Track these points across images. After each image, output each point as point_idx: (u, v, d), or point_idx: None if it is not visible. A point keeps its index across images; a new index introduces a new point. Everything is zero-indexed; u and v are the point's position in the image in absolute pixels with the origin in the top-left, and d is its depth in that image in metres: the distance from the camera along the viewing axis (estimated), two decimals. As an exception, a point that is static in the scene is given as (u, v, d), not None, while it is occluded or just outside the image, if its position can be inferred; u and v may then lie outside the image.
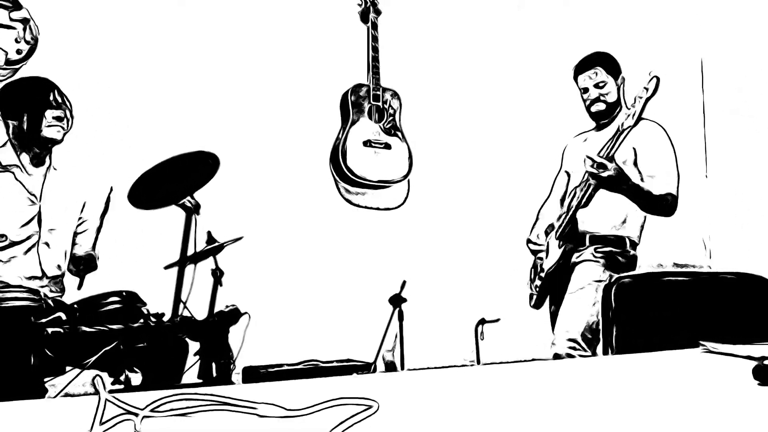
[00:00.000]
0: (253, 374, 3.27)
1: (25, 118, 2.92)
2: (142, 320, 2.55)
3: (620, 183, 3.33)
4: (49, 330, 2.43)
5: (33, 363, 2.38)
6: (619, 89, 3.63)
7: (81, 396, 1.04)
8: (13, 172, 2.92)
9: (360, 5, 3.97)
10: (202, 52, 3.59)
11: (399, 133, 3.94)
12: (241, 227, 3.24)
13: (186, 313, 2.82)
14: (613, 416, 0.86)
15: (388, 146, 3.90)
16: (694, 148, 4.31)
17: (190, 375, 2.80)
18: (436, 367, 3.20)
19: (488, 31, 4.15)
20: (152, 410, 0.83)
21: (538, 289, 3.66)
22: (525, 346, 3.53)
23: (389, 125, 3.91)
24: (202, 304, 2.99)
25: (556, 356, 3.32)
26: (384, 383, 1.22)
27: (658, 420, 0.82)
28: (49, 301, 2.85)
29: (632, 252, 3.53)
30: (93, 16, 3.39)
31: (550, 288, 3.62)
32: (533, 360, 3.08)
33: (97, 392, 0.82)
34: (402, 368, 3.60)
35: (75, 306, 2.64)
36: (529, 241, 3.82)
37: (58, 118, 2.96)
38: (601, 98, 3.61)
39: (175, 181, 2.88)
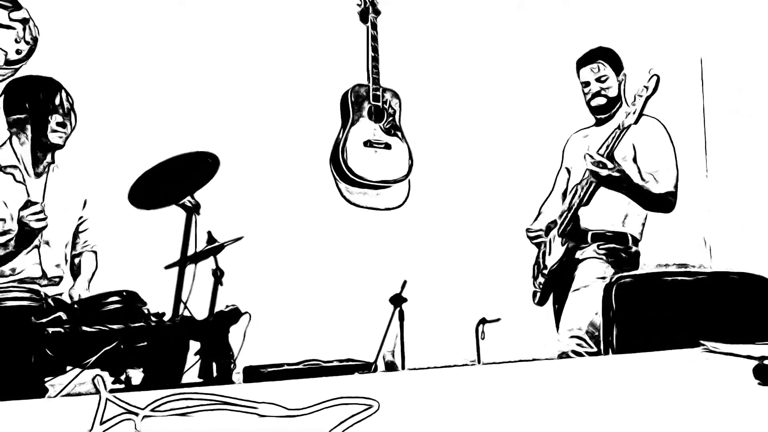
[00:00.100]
0: (253, 374, 3.26)
1: (28, 126, 2.91)
2: (142, 320, 2.55)
3: (620, 182, 3.34)
4: (50, 330, 2.43)
5: (33, 363, 2.38)
6: (620, 85, 3.63)
7: (82, 395, 1.04)
8: (13, 174, 2.92)
9: (359, 5, 3.97)
10: (202, 52, 3.58)
11: (399, 133, 3.94)
12: (241, 227, 3.24)
13: (186, 313, 2.82)
14: (613, 416, 0.86)
15: (388, 146, 3.90)
16: (694, 148, 4.31)
17: (191, 375, 2.80)
18: (436, 367, 3.20)
19: (488, 31, 4.15)
20: (152, 410, 0.83)
21: (541, 286, 3.67)
22: (528, 345, 3.54)
23: (389, 125, 3.91)
24: (202, 304, 2.99)
25: (562, 354, 3.33)
26: (384, 383, 1.22)
27: (658, 420, 0.82)
28: (50, 301, 2.85)
29: (635, 248, 3.54)
30: (92, 16, 3.39)
31: (554, 285, 3.62)
32: (534, 360, 3.08)
33: (97, 392, 0.82)
34: (403, 368, 3.60)
35: (75, 306, 2.64)
36: (528, 230, 3.82)
37: (62, 124, 2.96)
38: (602, 92, 3.62)
39: (175, 181, 2.88)
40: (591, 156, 3.32)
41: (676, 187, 3.48)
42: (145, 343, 2.51)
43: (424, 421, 0.86)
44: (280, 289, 3.52)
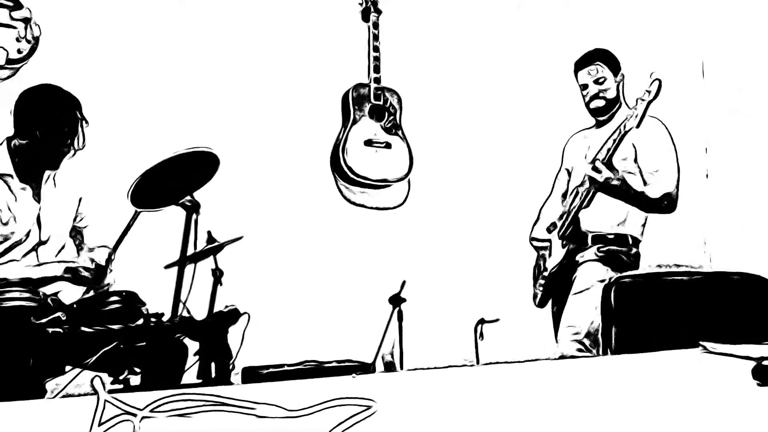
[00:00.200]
0: (252, 374, 3.26)
1: (38, 139, 2.86)
2: (141, 320, 2.55)
3: (620, 191, 3.35)
4: (49, 330, 2.42)
5: (33, 363, 2.38)
6: (618, 86, 3.63)
7: (81, 396, 1.04)
8: (8, 184, 2.86)
9: (361, 4, 3.97)
10: (202, 52, 3.58)
11: (400, 133, 3.94)
12: (241, 227, 3.24)
13: (185, 313, 2.81)
14: (613, 416, 0.85)
15: (388, 145, 3.90)
16: (695, 148, 4.31)
17: (190, 375, 2.79)
18: (435, 368, 3.20)
19: (489, 31, 4.15)
20: (152, 410, 0.83)
21: (542, 288, 3.67)
22: (527, 346, 3.54)
23: (390, 124, 3.91)
24: (201, 304, 2.99)
25: (562, 357, 3.33)
26: (383, 383, 1.22)
27: (658, 420, 0.82)
28: (49, 301, 2.85)
29: (635, 250, 3.54)
30: (93, 15, 3.39)
31: (554, 288, 3.62)
32: (533, 360, 3.08)
33: (96, 393, 0.82)
34: (401, 368, 3.60)
35: (75, 306, 2.64)
36: (533, 239, 3.82)
37: (70, 146, 2.93)
38: (601, 94, 3.62)
39: (175, 180, 2.88)
40: (593, 165, 3.33)
41: (677, 187, 3.48)
42: (144, 343, 2.51)
43: (422, 421, 0.86)
44: (279, 290, 3.52)
